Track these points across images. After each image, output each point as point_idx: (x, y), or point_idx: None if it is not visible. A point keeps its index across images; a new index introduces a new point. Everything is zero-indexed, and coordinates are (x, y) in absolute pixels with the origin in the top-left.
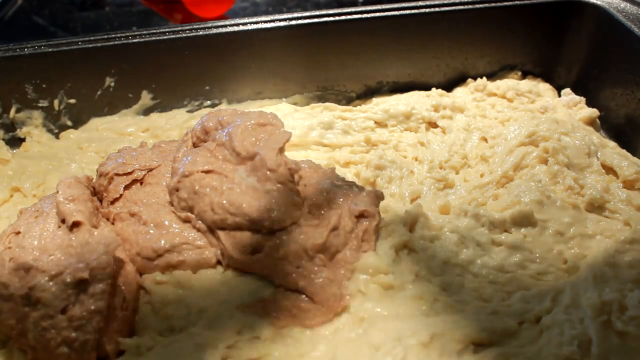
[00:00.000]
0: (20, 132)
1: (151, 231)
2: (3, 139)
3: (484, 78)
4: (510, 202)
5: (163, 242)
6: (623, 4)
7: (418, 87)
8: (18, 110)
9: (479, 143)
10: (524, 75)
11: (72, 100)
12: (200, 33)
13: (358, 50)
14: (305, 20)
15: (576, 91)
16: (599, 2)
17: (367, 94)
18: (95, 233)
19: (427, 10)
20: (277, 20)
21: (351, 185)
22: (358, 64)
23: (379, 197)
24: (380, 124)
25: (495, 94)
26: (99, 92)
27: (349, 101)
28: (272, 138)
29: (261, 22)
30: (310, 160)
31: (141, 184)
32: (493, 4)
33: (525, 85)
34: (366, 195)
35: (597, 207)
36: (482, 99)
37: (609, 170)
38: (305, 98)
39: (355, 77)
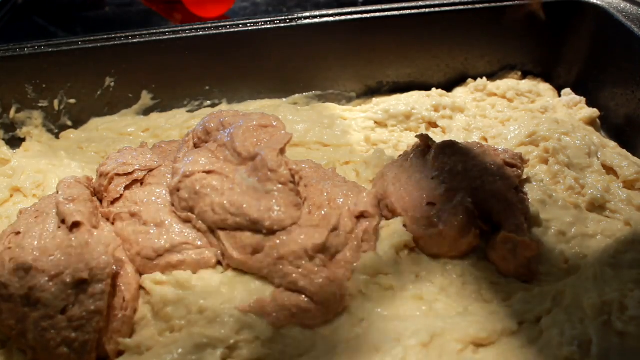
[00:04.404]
0: (20, 132)
1: (151, 231)
2: (3, 139)
3: (484, 78)
4: None
5: (163, 242)
6: (623, 4)
7: (418, 87)
8: (18, 110)
9: None
10: (524, 75)
11: (72, 100)
12: (200, 33)
13: (358, 50)
14: (305, 20)
15: (576, 91)
16: (599, 2)
17: (367, 94)
18: (95, 233)
19: (427, 10)
20: (277, 20)
21: (351, 185)
22: (358, 64)
23: (379, 197)
24: (380, 124)
25: (495, 94)
26: (99, 92)
27: (349, 101)
28: (273, 139)
29: (261, 22)
30: (310, 160)
31: (141, 184)
32: (493, 4)
33: (525, 85)
34: (366, 196)
35: (597, 207)
36: (482, 99)
37: (609, 170)
38: (305, 98)
39: (355, 77)
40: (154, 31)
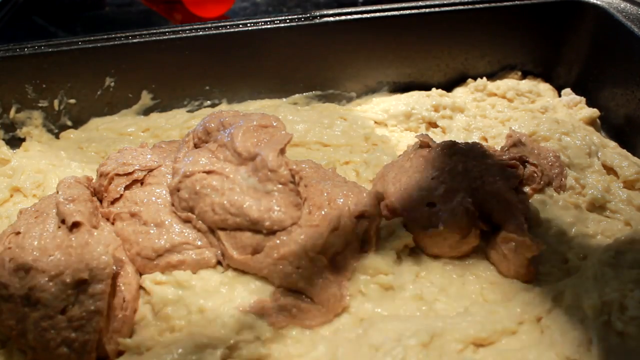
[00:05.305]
0: (20, 132)
1: (151, 231)
2: (3, 139)
3: (484, 78)
4: None
5: (163, 242)
6: (623, 4)
7: (418, 87)
8: (18, 110)
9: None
10: (524, 75)
11: (72, 100)
12: (200, 33)
13: (358, 50)
14: (305, 21)
15: (576, 91)
16: (599, 2)
17: (367, 94)
18: (95, 233)
19: (427, 10)
20: (277, 20)
21: (351, 185)
22: (358, 64)
23: (379, 197)
24: (380, 124)
25: (495, 94)
26: (99, 92)
27: (349, 101)
28: (273, 139)
29: (261, 22)
30: (310, 160)
31: (141, 184)
32: (493, 4)
33: (525, 85)
34: (366, 196)
35: (598, 207)
36: (482, 99)
37: (609, 170)
38: (305, 98)
39: (355, 77)
40: (154, 31)
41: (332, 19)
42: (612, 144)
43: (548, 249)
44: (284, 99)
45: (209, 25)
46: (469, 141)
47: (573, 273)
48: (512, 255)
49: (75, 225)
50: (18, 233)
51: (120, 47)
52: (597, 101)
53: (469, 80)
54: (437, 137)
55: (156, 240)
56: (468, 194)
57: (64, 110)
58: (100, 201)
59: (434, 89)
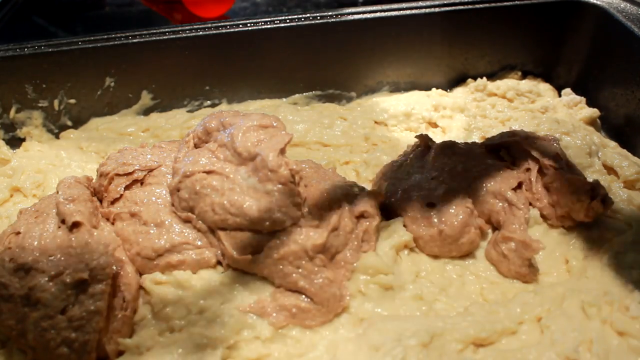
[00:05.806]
0: (20, 132)
1: (151, 231)
2: (3, 139)
3: (484, 78)
4: None
5: (163, 242)
6: (623, 4)
7: (418, 87)
8: (18, 110)
9: None
10: (524, 75)
11: (72, 100)
12: (200, 33)
13: (358, 50)
14: (305, 21)
15: (576, 91)
16: (599, 2)
17: (367, 94)
18: (95, 233)
19: (427, 10)
20: (277, 20)
21: (351, 185)
22: (358, 64)
23: (378, 197)
24: (380, 124)
25: (495, 94)
26: (99, 92)
27: (349, 101)
28: (273, 139)
29: (261, 22)
30: (310, 160)
31: (141, 184)
32: (493, 4)
33: (526, 85)
34: (366, 196)
35: None
36: (482, 99)
37: (609, 170)
38: (305, 98)
39: (355, 77)
40: (154, 31)
41: (332, 19)
42: (612, 144)
43: (548, 248)
44: (284, 99)
45: (209, 25)
46: (469, 141)
47: (573, 273)
48: (512, 255)
49: (75, 225)
50: (18, 233)
51: (120, 47)
52: (597, 101)
53: (469, 80)
54: (437, 137)
55: (156, 240)
56: (468, 193)
57: (64, 110)
58: (100, 201)
59: (434, 89)
